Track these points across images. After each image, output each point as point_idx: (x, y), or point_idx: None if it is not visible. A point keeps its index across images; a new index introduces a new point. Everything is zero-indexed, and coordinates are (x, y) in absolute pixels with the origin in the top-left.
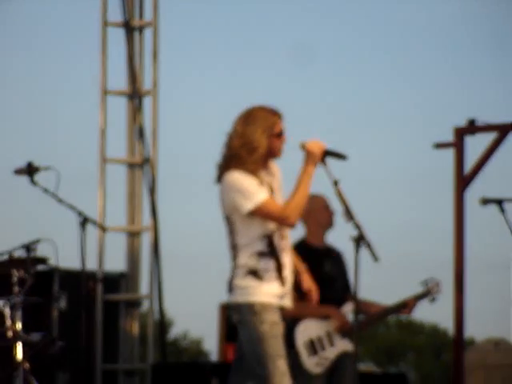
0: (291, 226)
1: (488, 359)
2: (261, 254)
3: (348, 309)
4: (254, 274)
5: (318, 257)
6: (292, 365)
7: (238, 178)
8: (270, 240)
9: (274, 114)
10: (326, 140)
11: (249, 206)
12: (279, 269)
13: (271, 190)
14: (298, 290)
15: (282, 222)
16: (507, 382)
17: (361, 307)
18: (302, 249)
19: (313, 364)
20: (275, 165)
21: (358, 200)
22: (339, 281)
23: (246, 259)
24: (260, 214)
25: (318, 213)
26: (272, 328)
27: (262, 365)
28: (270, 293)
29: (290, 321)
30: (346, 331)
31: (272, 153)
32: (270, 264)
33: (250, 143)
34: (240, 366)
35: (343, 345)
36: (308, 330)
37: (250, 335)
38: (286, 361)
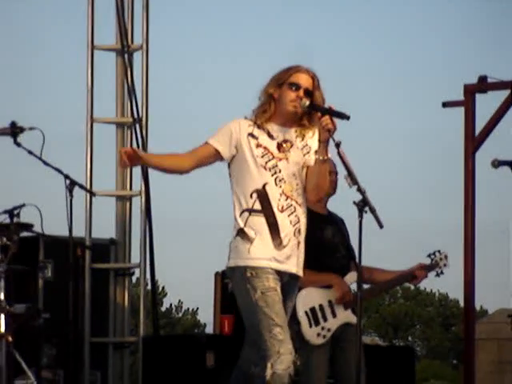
0: (184, 174)
1: (500, 332)
2: (251, 212)
3: (352, 278)
4: (243, 234)
5: (318, 223)
6: (295, 335)
7: (226, 122)
8: (261, 196)
9: (297, 68)
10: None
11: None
12: (273, 229)
13: (284, 146)
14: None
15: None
16: None
17: (365, 275)
18: None
19: (314, 334)
20: (312, 129)
21: (362, 163)
22: (341, 248)
23: (237, 218)
24: None
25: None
26: (265, 295)
27: (257, 334)
28: (261, 255)
29: None
30: (348, 301)
31: (282, 102)
32: (260, 223)
33: (261, 91)
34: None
35: (346, 316)
36: (309, 298)
37: (244, 304)
38: (286, 329)
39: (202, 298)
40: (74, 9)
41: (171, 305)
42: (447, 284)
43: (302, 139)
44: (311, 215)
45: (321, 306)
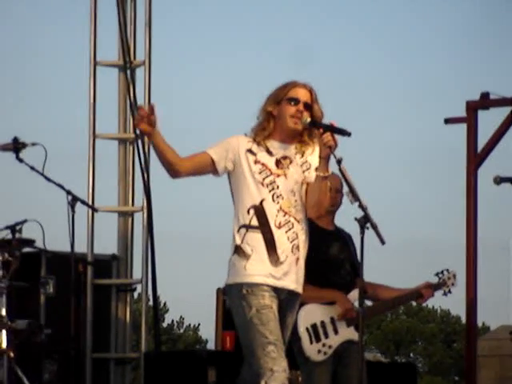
0: (175, 178)
1: (502, 348)
2: (248, 228)
3: (355, 295)
4: (239, 250)
5: (325, 239)
6: (296, 352)
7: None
8: (258, 211)
9: (294, 83)
10: (332, 117)
11: None
12: (270, 245)
13: (283, 162)
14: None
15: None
16: None
17: (368, 291)
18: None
19: (315, 351)
20: (312, 146)
21: (364, 180)
22: (347, 265)
23: (235, 234)
24: None
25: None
26: (260, 313)
27: (251, 352)
28: (257, 272)
29: None
30: (350, 318)
31: (282, 118)
32: (257, 240)
33: (260, 109)
34: None
35: (348, 333)
36: (311, 314)
37: (239, 321)
38: (281, 346)
39: (203, 314)
40: (76, 25)
41: (173, 321)
42: (449, 300)
43: (302, 156)
44: (317, 231)
45: (322, 323)
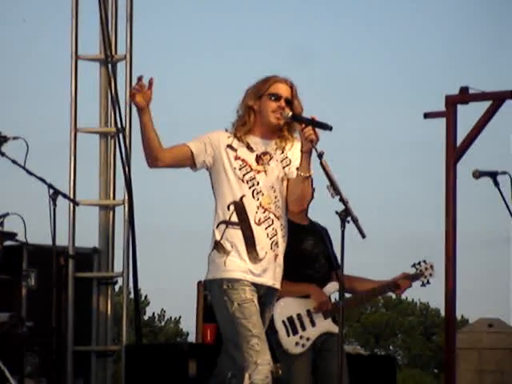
0: (152, 168)
1: (482, 341)
2: (227, 224)
3: (332, 288)
4: (219, 246)
5: (299, 234)
6: (275, 345)
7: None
8: (238, 208)
9: (275, 78)
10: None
11: None
12: (249, 242)
13: (263, 158)
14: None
15: None
16: (502, 365)
17: (345, 284)
18: None
19: (292, 343)
20: (294, 144)
21: (344, 173)
22: (322, 258)
23: (214, 229)
24: None
25: None
26: (242, 307)
27: (235, 347)
28: (236, 268)
29: None
30: (326, 311)
31: (264, 114)
32: (237, 236)
33: (239, 104)
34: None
35: (326, 325)
36: (287, 308)
37: (221, 316)
38: (264, 339)
39: (184, 307)
40: (58, 19)
41: (154, 313)
42: (428, 293)
43: (282, 151)
44: (291, 226)
45: (299, 316)
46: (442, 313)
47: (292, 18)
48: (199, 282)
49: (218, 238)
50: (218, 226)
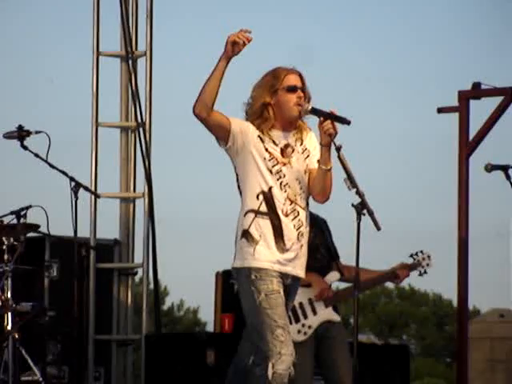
0: (194, 114)
1: (493, 331)
2: (257, 213)
3: (333, 277)
4: (248, 235)
5: None
6: None
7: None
8: (267, 199)
9: (284, 70)
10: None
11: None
12: (277, 232)
13: (287, 151)
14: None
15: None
16: None
17: (346, 274)
18: None
19: (294, 331)
20: (309, 131)
21: (360, 166)
22: (322, 249)
23: (243, 217)
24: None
25: None
26: (269, 298)
27: (260, 336)
28: (265, 258)
29: None
30: (327, 299)
31: (285, 108)
32: (266, 226)
33: (252, 98)
34: (248, 334)
35: (327, 313)
36: None
37: (248, 305)
38: (288, 331)
39: (202, 297)
40: (80, 16)
41: (173, 303)
42: (441, 285)
43: (301, 143)
44: None
45: (300, 304)
46: (455, 303)
47: (299, 12)
48: (217, 273)
49: (246, 226)
50: (245, 214)
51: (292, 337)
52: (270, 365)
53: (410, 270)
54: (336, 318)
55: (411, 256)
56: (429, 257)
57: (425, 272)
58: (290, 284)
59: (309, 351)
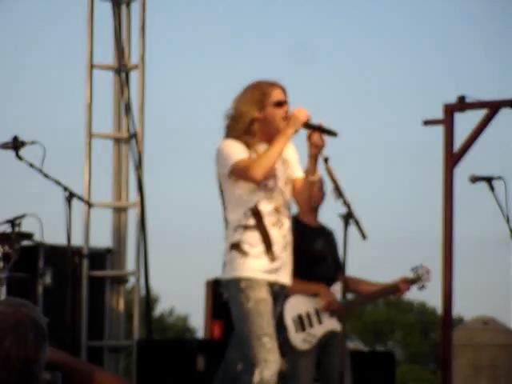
0: (255, 180)
1: (476, 338)
2: (246, 228)
3: (338, 288)
4: (238, 248)
5: (310, 235)
6: (282, 341)
7: (225, 144)
8: (256, 213)
9: (269, 85)
10: (318, 117)
11: (227, 165)
12: (267, 243)
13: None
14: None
15: (247, 174)
16: (495, 361)
17: (351, 285)
18: (293, 225)
19: (300, 340)
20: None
21: (346, 177)
22: (330, 259)
23: (232, 233)
24: (234, 172)
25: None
26: (258, 305)
27: (247, 343)
28: (257, 268)
29: None
30: (333, 310)
31: (273, 123)
32: (255, 238)
33: (236, 113)
34: (236, 341)
35: (331, 323)
36: (297, 305)
37: (237, 313)
38: (274, 338)
39: (192, 304)
40: (73, 29)
41: (163, 310)
42: (424, 293)
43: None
44: (303, 227)
45: (307, 314)
46: (439, 311)
47: (299, 18)
48: (207, 281)
49: (236, 240)
50: (235, 229)
51: (297, 345)
52: (257, 371)
53: (410, 284)
54: (339, 327)
55: (412, 270)
56: (428, 272)
57: (423, 286)
58: (278, 291)
59: (311, 360)
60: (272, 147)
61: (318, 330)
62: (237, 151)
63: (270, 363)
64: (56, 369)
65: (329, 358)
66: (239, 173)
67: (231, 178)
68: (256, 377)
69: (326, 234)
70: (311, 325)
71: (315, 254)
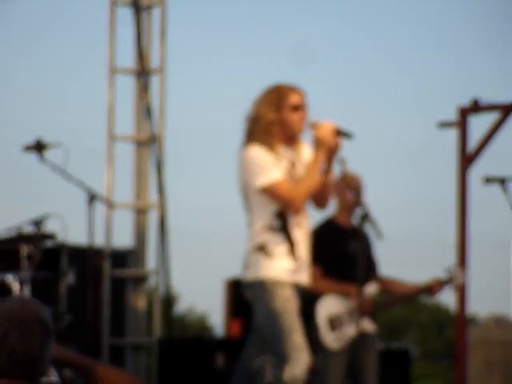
0: (295, 211)
1: (490, 336)
2: (271, 229)
3: (371, 289)
4: (264, 249)
5: (343, 236)
6: (313, 340)
7: (255, 153)
8: (281, 215)
9: (288, 88)
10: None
11: (260, 183)
12: (290, 244)
13: (291, 167)
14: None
15: (287, 205)
16: (509, 358)
17: (387, 285)
18: (328, 227)
19: (331, 339)
20: (303, 143)
21: (362, 178)
22: (363, 260)
23: (257, 235)
24: (269, 193)
25: (349, 193)
26: (285, 303)
27: (278, 340)
28: (281, 268)
29: (310, 296)
30: (365, 311)
31: (290, 127)
32: (280, 239)
33: (255, 115)
34: (255, 340)
35: (363, 324)
36: (329, 305)
37: (265, 311)
38: (303, 335)
39: (212, 303)
40: (95, 33)
41: (184, 309)
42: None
43: (299, 156)
44: (337, 228)
45: (339, 314)
46: (452, 310)
47: (300, 19)
48: (227, 280)
49: (261, 241)
50: (260, 230)
51: (328, 344)
52: (287, 368)
53: (443, 285)
54: (370, 328)
55: (445, 271)
56: (461, 272)
57: (456, 287)
58: (299, 291)
59: (342, 359)
60: (306, 177)
61: (350, 331)
62: (268, 167)
63: (300, 360)
64: (60, 365)
65: (359, 359)
66: (276, 197)
67: (262, 194)
68: (287, 373)
69: (359, 235)
70: (342, 325)
71: (350, 256)
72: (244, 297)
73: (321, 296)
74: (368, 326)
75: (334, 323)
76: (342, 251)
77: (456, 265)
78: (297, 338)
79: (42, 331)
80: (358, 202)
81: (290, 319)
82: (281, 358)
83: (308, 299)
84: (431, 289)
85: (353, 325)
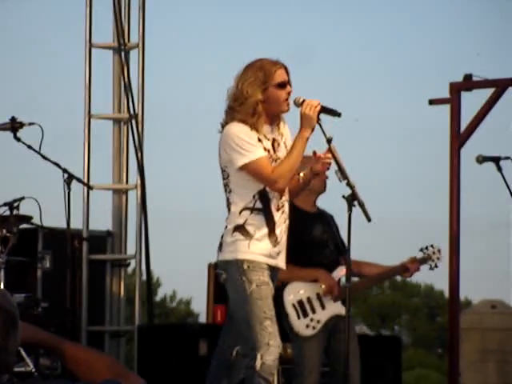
0: (278, 190)
1: (484, 321)
2: (252, 210)
3: (340, 272)
4: (242, 230)
5: (308, 221)
6: (287, 327)
7: (239, 131)
8: (262, 196)
9: (272, 64)
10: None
11: (244, 161)
12: (271, 227)
13: (275, 146)
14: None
15: (270, 184)
16: (504, 345)
17: (354, 268)
18: (292, 211)
19: (302, 326)
20: (285, 122)
21: (351, 158)
22: (330, 244)
23: (236, 215)
24: (251, 171)
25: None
26: (259, 288)
27: (248, 327)
28: (259, 251)
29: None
30: (335, 295)
31: (276, 104)
32: (260, 221)
33: (241, 94)
34: (231, 327)
35: (336, 308)
36: (297, 291)
37: (237, 295)
38: (275, 322)
39: (195, 289)
40: (72, 8)
41: (165, 295)
42: (433, 276)
43: (282, 136)
44: (301, 213)
45: (309, 299)
46: (446, 294)
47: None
48: (210, 264)
49: (241, 222)
50: (240, 212)
51: (300, 331)
52: (259, 356)
53: (420, 264)
54: (344, 312)
55: (421, 250)
56: (439, 251)
57: (435, 266)
58: (275, 276)
59: (317, 345)
60: (292, 154)
61: (322, 315)
62: (252, 146)
63: (271, 347)
64: (31, 347)
65: (336, 343)
66: (257, 175)
67: (242, 171)
68: (258, 361)
69: (325, 219)
70: (313, 310)
71: (315, 241)
72: (220, 279)
73: (288, 283)
74: (341, 309)
75: (305, 309)
76: (308, 236)
77: (432, 244)
78: (268, 325)
79: (4, 321)
80: (323, 187)
81: (264, 305)
82: (252, 344)
83: (276, 288)
84: (406, 268)
85: (325, 310)
